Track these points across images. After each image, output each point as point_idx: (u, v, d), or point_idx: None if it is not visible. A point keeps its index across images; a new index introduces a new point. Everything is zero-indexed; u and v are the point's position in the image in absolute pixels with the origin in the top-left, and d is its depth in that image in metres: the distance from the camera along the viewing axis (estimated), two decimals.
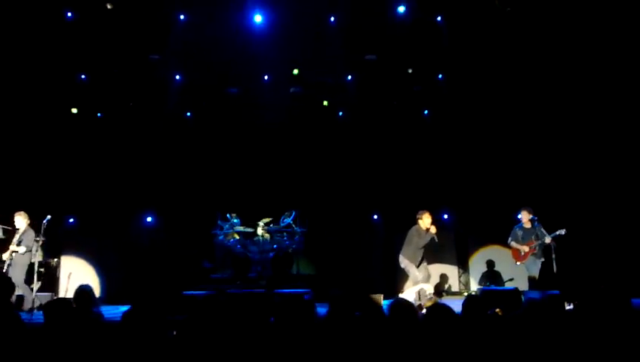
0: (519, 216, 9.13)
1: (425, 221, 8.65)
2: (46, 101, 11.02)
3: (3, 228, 9.12)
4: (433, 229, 8.58)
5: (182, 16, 10.28)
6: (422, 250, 8.64)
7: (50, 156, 11.32)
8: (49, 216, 8.94)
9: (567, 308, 7.25)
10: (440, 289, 11.62)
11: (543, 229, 8.76)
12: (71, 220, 11.80)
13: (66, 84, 11.09)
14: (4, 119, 10.56)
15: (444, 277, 12.20)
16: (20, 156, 10.84)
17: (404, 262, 8.67)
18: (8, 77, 10.28)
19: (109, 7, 9.67)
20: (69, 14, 9.92)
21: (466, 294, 11.69)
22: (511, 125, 11.38)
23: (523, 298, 7.54)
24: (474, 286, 11.97)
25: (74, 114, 11.49)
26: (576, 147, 10.73)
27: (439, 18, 10.42)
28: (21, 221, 9.00)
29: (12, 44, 9.93)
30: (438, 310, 3.47)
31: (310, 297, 5.17)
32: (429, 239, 8.57)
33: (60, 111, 11.37)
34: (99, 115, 11.84)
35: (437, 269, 11.70)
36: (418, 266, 8.62)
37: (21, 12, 9.64)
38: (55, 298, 8.85)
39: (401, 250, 8.78)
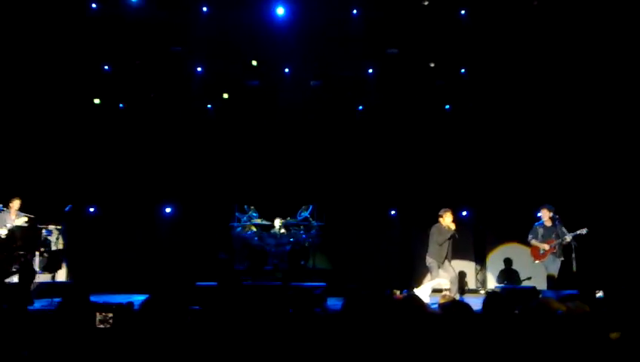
0: (539, 214, 9.02)
1: (446, 219, 8.64)
2: (70, 91, 11.16)
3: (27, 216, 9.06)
4: (452, 226, 8.57)
5: (204, 9, 10.30)
6: (445, 247, 8.60)
7: (73, 146, 11.48)
8: (70, 205, 9.05)
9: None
10: (461, 287, 11.52)
11: (563, 228, 8.65)
12: (92, 209, 11.96)
13: (90, 74, 11.20)
14: (28, 110, 10.74)
15: (461, 275, 12.08)
16: (42, 146, 11.01)
17: (428, 260, 8.71)
18: (33, 68, 10.44)
19: None
20: (94, 5, 10.04)
21: (483, 292, 11.59)
22: (533, 121, 11.25)
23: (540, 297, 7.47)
24: (491, 284, 11.85)
25: (96, 104, 11.61)
26: (601, 145, 10.56)
27: (463, 12, 10.29)
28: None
29: (37, 36, 10.06)
30: (456, 307, 3.40)
31: (321, 291, 5.18)
32: (449, 235, 8.56)
33: (83, 101, 11.51)
34: (121, 105, 11.96)
35: (454, 266, 11.65)
36: (442, 263, 8.60)
37: (46, 3, 9.77)
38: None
39: (423, 248, 8.78)
